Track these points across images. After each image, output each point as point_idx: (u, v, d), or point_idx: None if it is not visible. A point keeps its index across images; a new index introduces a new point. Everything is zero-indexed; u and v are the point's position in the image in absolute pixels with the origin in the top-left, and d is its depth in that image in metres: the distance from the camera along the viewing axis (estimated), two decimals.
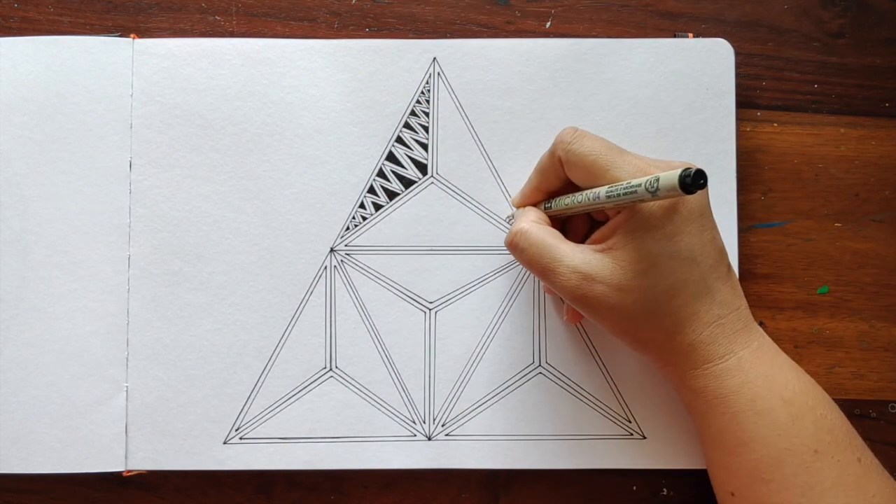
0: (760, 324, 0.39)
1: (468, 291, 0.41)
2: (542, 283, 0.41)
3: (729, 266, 0.35)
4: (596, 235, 0.35)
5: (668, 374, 0.36)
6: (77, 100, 0.41)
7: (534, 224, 0.36)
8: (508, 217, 0.41)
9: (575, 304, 0.35)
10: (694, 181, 0.28)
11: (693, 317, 0.34)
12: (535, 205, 0.39)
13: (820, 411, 0.34)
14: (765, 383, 0.34)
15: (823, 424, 0.34)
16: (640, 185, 0.30)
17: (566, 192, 0.36)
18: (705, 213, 0.34)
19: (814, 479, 0.33)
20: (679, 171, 0.28)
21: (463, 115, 0.41)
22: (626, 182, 0.32)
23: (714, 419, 0.35)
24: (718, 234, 0.34)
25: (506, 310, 0.41)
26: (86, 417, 0.40)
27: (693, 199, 0.33)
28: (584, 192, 0.34)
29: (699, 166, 0.29)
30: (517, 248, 0.36)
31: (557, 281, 0.34)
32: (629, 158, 0.34)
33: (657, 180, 0.29)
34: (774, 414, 0.33)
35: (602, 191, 0.33)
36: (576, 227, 0.39)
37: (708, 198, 0.34)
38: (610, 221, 0.34)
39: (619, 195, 0.32)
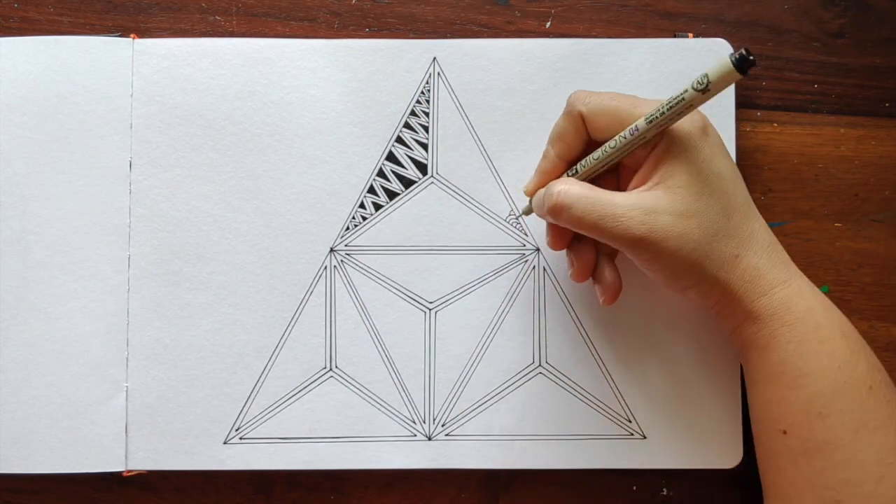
0: None
1: (468, 291, 0.41)
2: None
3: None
4: (636, 180, 0.35)
5: (729, 315, 0.35)
6: (77, 100, 0.41)
7: (572, 182, 0.35)
8: (509, 216, 0.41)
9: (637, 248, 0.33)
10: (745, 59, 0.28)
11: (751, 237, 0.34)
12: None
13: (869, 348, 0.34)
14: (825, 312, 0.34)
15: (874, 362, 0.34)
16: (685, 90, 0.30)
17: (584, 156, 0.36)
18: (722, 142, 0.35)
19: (868, 416, 0.32)
20: (728, 55, 0.29)
21: (463, 115, 0.41)
22: (667, 98, 0.32)
23: (776, 351, 0.34)
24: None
25: (506, 310, 0.41)
26: (86, 417, 0.40)
27: (712, 127, 0.34)
28: (617, 137, 0.34)
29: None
30: (563, 207, 0.34)
31: (619, 225, 0.33)
32: (647, 100, 0.34)
33: (706, 76, 0.29)
34: (835, 344, 0.33)
35: (641, 121, 0.33)
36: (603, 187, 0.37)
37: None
38: (648, 160, 0.34)
39: (663, 113, 0.32)
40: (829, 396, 0.33)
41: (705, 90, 0.30)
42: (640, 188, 0.34)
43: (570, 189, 0.34)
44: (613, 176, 0.37)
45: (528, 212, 0.39)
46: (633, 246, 0.33)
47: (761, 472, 0.36)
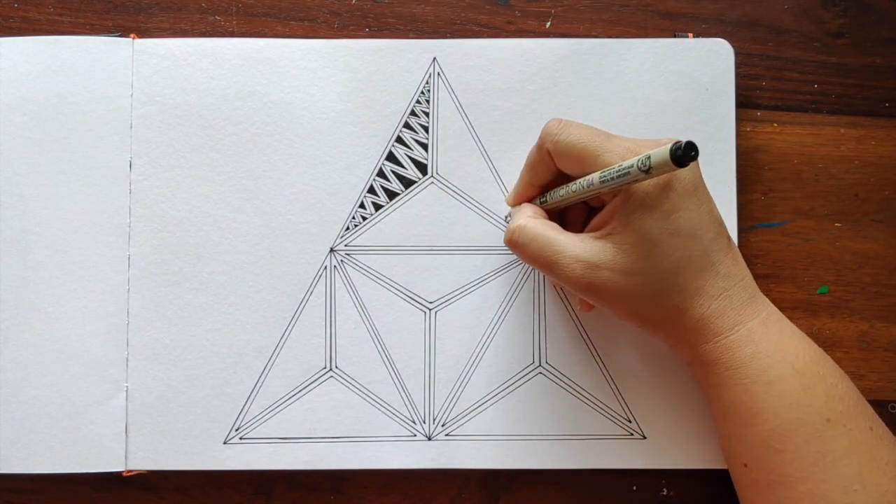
0: None
1: (468, 291, 0.41)
2: (547, 278, 0.41)
3: (729, 238, 0.35)
4: (594, 222, 0.35)
5: (679, 353, 0.37)
6: (77, 100, 0.41)
7: (531, 219, 0.36)
8: (507, 216, 0.41)
9: (582, 294, 0.35)
10: (685, 153, 0.28)
11: (699, 291, 0.34)
12: (529, 201, 0.39)
13: (830, 380, 0.34)
14: (775, 353, 0.34)
15: (834, 393, 0.34)
16: (632, 165, 0.31)
17: (559, 183, 0.37)
18: (699, 186, 0.34)
19: (826, 448, 0.33)
20: (669, 146, 0.28)
21: (463, 115, 0.41)
22: (617, 165, 0.32)
23: (726, 391, 0.35)
24: (715, 207, 0.35)
25: (506, 310, 0.41)
26: (86, 417, 0.40)
27: (686, 174, 0.33)
28: (578, 181, 0.34)
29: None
30: (517, 244, 0.36)
31: (562, 272, 0.34)
32: (617, 141, 0.34)
33: (648, 158, 0.30)
34: (785, 383, 0.33)
35: (595, 177, 0.33)
36: (573, 216, 0.39)
37: (700, 172, 0.34)
38: (607, 207, 0.34)
39: (612, 178, 0.32)
40: (784, 433, 0.33)
41: (647, 171, 0.30)
42: (594, 233, 0.35)
43: (527, 227, 0.35)
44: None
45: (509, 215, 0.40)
46: (577, 291, 0.35)
47: (740, 500, 0.37)
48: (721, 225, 0.35)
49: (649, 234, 0.33)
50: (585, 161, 0.34)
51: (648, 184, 0.33)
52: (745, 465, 0.35)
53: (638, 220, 0.33)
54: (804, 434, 0.33)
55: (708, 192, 0.34)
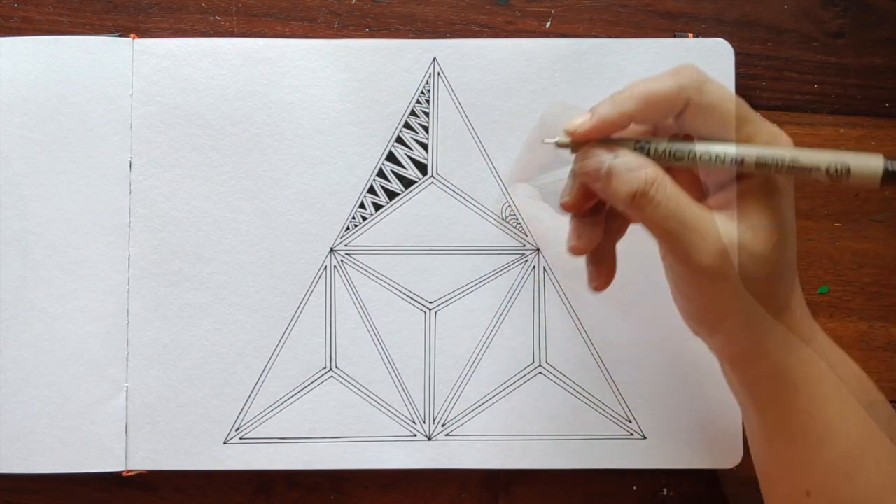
0: None
1: (468, 291, 0.41)
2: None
3: None
4: (713, 200, 0.30)
5: (746, 366, 0.32)
6: (77, 100, 0.41)
7: (661, 172, 0.29)
8: (505, 206, 0.41)
9: (699, 275, 0.30)
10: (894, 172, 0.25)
11: (795, 290, 0.32)
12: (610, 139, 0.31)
13: (887, 402, 0.33)
14: (844, 367, 0.32)
15: (891, 411, 0.32)
16: (819, 166, 0.27)
17: (648, 133, 0.32)
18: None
19: (894, 470, 0.31)
20: (881, 159, 0.25)
21: (463, 115, 0.41)
22: (792, 153, 0.28)
23: (799, 410, 0.32)
24: None
25: (506, 310, 0.41)
26: (86, 417, 0.40)
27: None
28: (717, 148, 0.29)
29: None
30: (649, 200, 0.29)
31: (696, 245, 0.29)
32: (761, 119, 0.30)
33: (848, 169, 0.27)
34: (856, 402, 0.32)
35: (752, 153, 0.28)
36: None
37: None
38: (739, 185, 0.30)
39: (777, 165, 0.28)
40: (856, 456, 0.31)
41: (836, 179, 0.27)
42: (727, 212, 0.30)
43: (664, 184, 0.29)
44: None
45: (565, 146, 0.30)
46: (698, 272, 0.29)
47: None
48: None
49: (783, 222, 0.29)
50: (728, 127, 0.29)
51: None
52: (808, 494, 0.32)
53: (775, 206, 0.29)
54: (875, 457, 0.31)
55: None
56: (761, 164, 0.28)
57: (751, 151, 0.28)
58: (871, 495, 0.31)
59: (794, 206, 0.31)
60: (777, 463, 0.34)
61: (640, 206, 0.29)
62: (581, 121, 0.30)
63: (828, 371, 0.32)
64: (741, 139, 0.29)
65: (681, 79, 0.29)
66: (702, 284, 0.30)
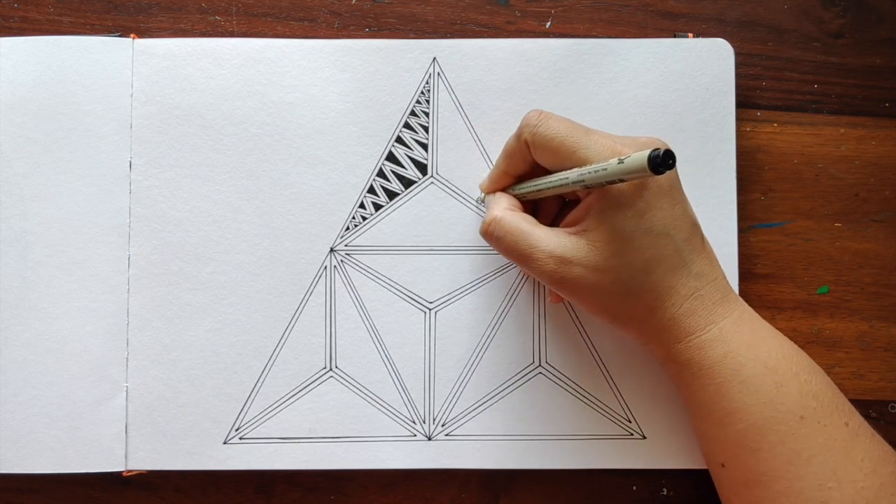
0: None
1: (468, 291, 0.41)
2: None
3: (703, 237, 0.35)
4: (569, 218, 0.35)
5: (652, 350, 0.37)
6: (77, 100, 0.41)
7: (507, 211, 0.36)
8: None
9: (554, 288, 0.35)
10: (663, 161, 0.28)
11: (671, 291, 0.34)
12: (504, 189, 0.39)
13: (804, 377, 0.34)
14: (747, 352, 0.34)
15: (808, 390, 0.34)
16: (607, 168, 0.31)
17: (534, 174, 0.37)
18: (675, 186, 0.34)
19: (800, 446, 0.33)
20: (647, 153, 0.28)
21: (463, 115, 0.41)
22: (594, 165, 0.32)
23: (700, 391, 0.35)
24: (690, 207, 0.35)
25: (506, 310, 0.41)
26: (86, 417, 0.40)
27: (658, 178, 0.33)
28: (553, 176, 0.35)
29: (669, 147, 0.30)
30: (493, 236, 0.36)
31: (535, 266, 0.34)
32: (596, 138, 0.34)
33: (624, 163, 0.30)
34: (758, 382, 0.34)
35: (572, 174, 0.33)
36: (547, 208, 0.39)
37: (677, 172, 0.34)
38: (581, 203, 0.35)
39: (588, 178, 0.32)
40: (759, 432, 0.33)
41: (623, 176, 0.30)
42: (569, 228, 0.35)
43: (503, 220, 0.35)
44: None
45: (481, 199, 0.41)
46: (550, 285, 0.35)
47: (720, 499, 0.37)
48: (695, 225, 0.35)
49: (622, 232, 0.33)
50: (562, 156, 0.34)
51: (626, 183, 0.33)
52: (723, 465, 0.35)
53: (611, 217, 0.33)
54: (778, 433, 0.33)
55: (683, 192, 0.35)
56: (580, 180, 0.33)
57: (571, 172, 0.33)
58: (777, 467, 0.33)
59: (657, 209, 0.33)
60: (699, 437, 0.37)
61: (491, 240, 0.36)
62: (485, 178, 0.40)
63: (720, 358, 0.34)
64: (577, 163, 0.33)
65: (520, 127, 0.36)
66: (561, 292, 0.35)
